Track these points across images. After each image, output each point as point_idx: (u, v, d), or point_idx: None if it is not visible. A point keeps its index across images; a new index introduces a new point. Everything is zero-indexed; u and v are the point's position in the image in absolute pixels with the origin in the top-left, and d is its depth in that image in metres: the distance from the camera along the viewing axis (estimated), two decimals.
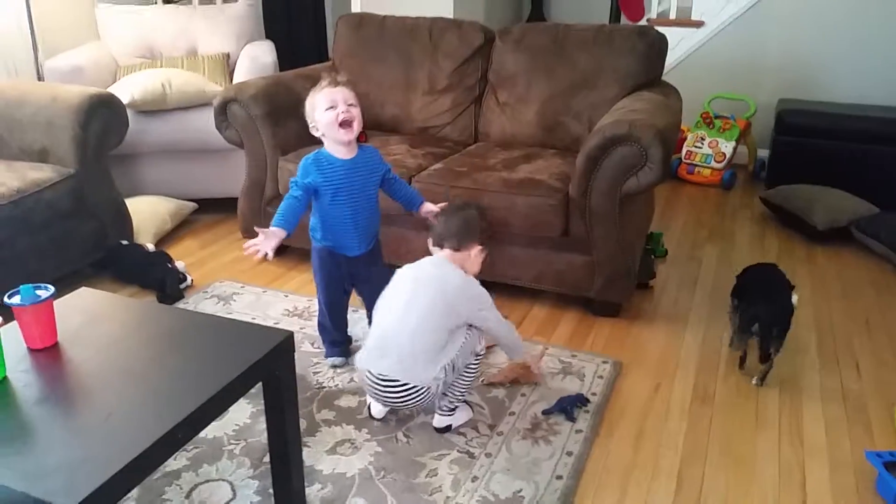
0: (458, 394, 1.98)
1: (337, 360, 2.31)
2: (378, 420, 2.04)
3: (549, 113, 3.06)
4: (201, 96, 3.37)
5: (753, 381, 2.27)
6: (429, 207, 2.31)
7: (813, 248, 3.33)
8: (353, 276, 2.27)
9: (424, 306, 1.89)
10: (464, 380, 1.97)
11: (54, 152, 2.78)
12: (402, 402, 1.89)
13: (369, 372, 1.90)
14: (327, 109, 2.05)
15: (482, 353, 2.00)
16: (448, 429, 2.00)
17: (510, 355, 2.13)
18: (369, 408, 2.06)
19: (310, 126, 2.14)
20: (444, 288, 1.92)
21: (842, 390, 2.24)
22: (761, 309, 2.23)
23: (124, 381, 1.39)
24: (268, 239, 1.98)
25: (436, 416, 2.00)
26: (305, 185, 2.08)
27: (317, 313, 2.37)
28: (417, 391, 1.86)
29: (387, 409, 2.04)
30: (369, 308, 2.27)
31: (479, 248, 2.04)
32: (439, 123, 3.28)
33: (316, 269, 2.26)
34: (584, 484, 1.82)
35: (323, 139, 2.13)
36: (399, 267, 2.04)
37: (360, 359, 1.95)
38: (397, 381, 1.86)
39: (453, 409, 2.00)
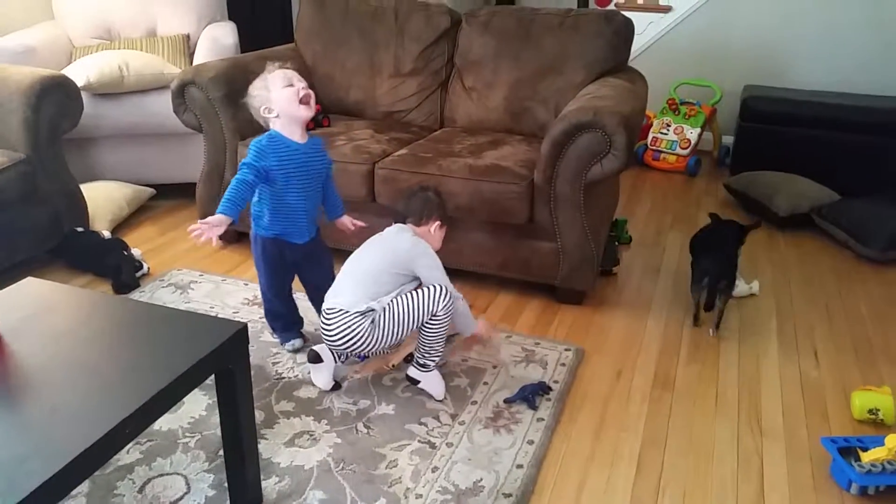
0: (426, 349, 2.05)
1: (296, 342, 2.30)
2: (326, 391, 2.09)
3: (516, 98, 3.03)
4: (160, 79, 3.28)
5: (710, 332, 2.47)
6: (346, 222, 2.35)
7: (774, 235, 3.36)
8: (296, 265, 2.24)
9: (374, 253, 2.06)
10: (426, 336, 2.03)
11: (4, 136, 2.68)
12: (335, 331, 1.97)
13: (322, 312, 2.03)
14: (285, 87, 2.02)
15: (442, 313, 1.99)
16: (417, 383, 2.08)
17: (462, 330, 2.15)
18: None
19: (258, 110, 2.06)
20: (395, 244, 2.07)
21: (800, 377, 2.26)
22: (710, 264, 2.47)
23: (70, 375, 1.34)
24: (214, 226, 1.89)
25: (410, 367, 2.10)
26: (260, 168, 1.99)
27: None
28: (345, 317, 1.94)
29: (331, 373, 2.10)
30: (314, 295, 2.28)
31: (439, 223, 2.18)
32: (405, 108, 3.23)
33: (259, 259, 2.20)
34: (545, 472, 1.82)
35: (274, 122, 2.06)
36: (351, 252, 2.13)
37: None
38: (333, 308, 1.97)
39: (425, 367, 2.07)
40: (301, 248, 2.18)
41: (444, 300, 1.98)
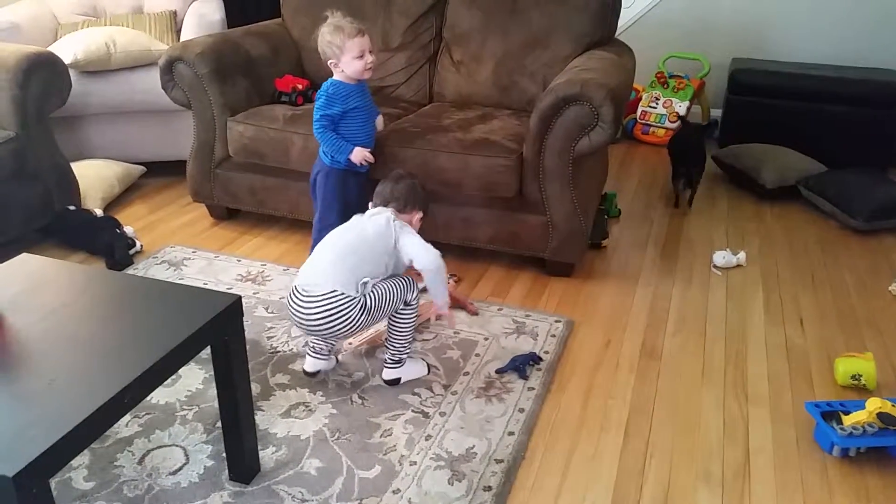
0: (398, 345, 2.02)
1: None
2: (311, 375, 2.06)
3: (504, 72, 3.04)
4: (147, 56, 3.26)
5: (687, 210, 3.27)
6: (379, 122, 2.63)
7: (762, 206, 3.40)
8: (359, 196, 2.43)
9: (353, 234, 2.01)
10: (398, 329, 2.00)
11: None
12: (319, 315, 1.86)
13: (294, 290, 1.92)
14: (356, 58, 2.33)
15: (414, 302, 1.99)
16: (398, 381, 2.03)
17: (434, 295, 2.04)
18: (304, 368, 2.08)
19: (327, 60, 2.37)
20: (377, 224, 2.00)
21: (786, 345, 2.31)
22: (685, 158, 3.34)
23: (68, 347, 1.36)
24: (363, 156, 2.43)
25: (383, 369, 2.04)
26: (333, 115, 2.39)
27: (269, 279, 2.38)
28: (335, 300, 1.85)
29: (319, 358, 2.05)
30: None
31: (421, 214, 2.17)
32: (394, 83, 3.23)
33: (333, 193, 2.45)
34: (536, 438, 1.86)
35: (337, 74, 2.40)
36: None
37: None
38: (318, 290, 1.87)
39: (398, 361, 2.03)
40: (361, 177, 2.51)
41: (412, 292, 1.98)
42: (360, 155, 2.41)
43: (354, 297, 1.88)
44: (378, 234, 1.98)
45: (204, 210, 3.12)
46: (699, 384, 2.10)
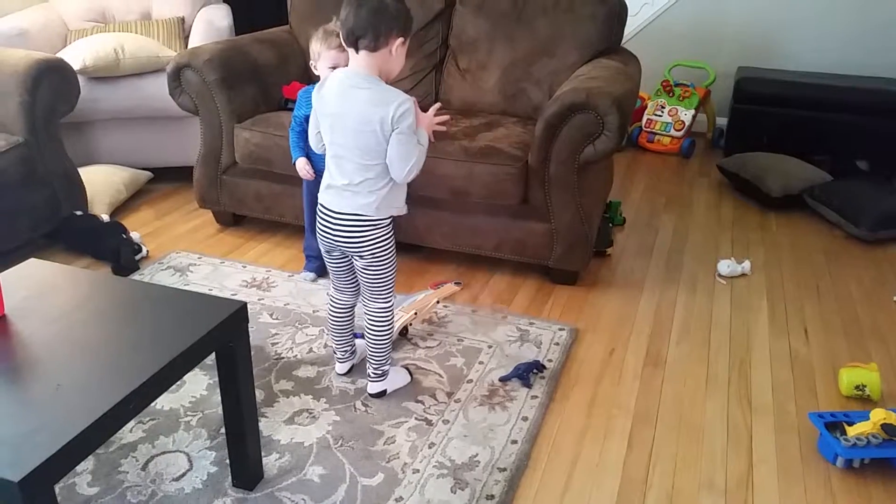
0: (379, 356, 1.99)
1: (309, 275, 2.64)
2: (342, 374, 2.11)
3: (510, 80, 3.05)
4: (155, 62, 3.28)
5: None
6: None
7: (767, 215, 3.40)
8: None
9: (366, 130, 1.72)
10: (377, 340, 1.97)
11: (1, 120, 2.70)
12: (349, 235, 1.82)
13: (323, 208, 1.84)
14: (328, 68, 2.28)
15: (391, 307, 1.97)
16: (384, 394, 2.02)
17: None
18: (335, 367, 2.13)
19: (310, 61, 2.39)
20: (374, 109, 1.69)
21: (790, 354, 2.30)
22: None
23: (74, 353, 1.37)
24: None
25: (368, 383, 2.03)
26: (298, 116, 2.43)
27: (275, 285, 2.42)
28: (361, 221, 1.81)
29: (345, 361, 2.10)
30: None
31: (401, 39, 1.70)
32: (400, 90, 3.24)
33: (305, 192, 2.56)
34: (539, 447, 1.86)
35: (315, 72, 2.39)
36: None
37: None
38: (352, 210, 1.80)
39: (382, 374, 2.02)
40: None
41: (394, 296, 1.99)
42: (300, 167, 2.45)
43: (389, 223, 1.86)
44: (385, 132, 1.72)
45: (210, 216, 3.14)
46: (703, 393, 2.10)
